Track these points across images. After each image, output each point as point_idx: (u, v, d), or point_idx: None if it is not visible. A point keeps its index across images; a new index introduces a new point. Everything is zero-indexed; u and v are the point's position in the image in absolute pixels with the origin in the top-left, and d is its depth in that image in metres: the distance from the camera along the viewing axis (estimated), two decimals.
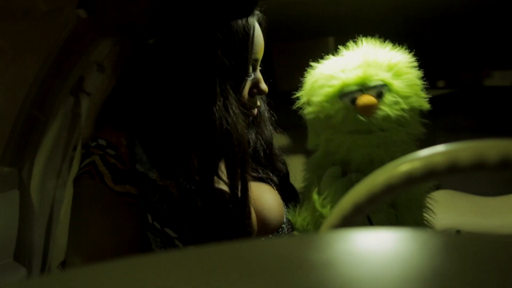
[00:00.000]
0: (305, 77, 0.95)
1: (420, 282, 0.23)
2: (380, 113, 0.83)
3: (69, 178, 1.50)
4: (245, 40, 0.86)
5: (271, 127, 1.01)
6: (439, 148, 0.39)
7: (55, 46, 1.36)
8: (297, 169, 1.06)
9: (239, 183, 0.86)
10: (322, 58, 0.94)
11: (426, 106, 0.88)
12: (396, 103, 0.84)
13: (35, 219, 1.45)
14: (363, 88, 0.85)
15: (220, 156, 0.86)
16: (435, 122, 0.92)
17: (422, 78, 0.90)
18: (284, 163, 1.05)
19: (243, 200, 0.87)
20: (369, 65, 0.87)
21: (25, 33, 1.29)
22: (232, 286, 0.23)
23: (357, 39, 0.93)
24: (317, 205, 0.86)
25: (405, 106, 0.84)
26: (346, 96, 0.85)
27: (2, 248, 1.36)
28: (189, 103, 0.84)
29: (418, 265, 0.25)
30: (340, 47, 0.94)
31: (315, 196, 0.88)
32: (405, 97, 0.85)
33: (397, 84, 0.85)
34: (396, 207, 0.87)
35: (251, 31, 0.86)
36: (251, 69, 0.89)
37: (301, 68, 0.96)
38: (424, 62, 0.92)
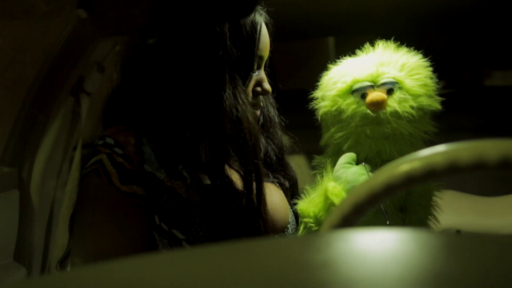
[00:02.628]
0: (321, 75, 0.96)
1: (420, 282, 0.23)
2: (388, 108, 0.85)
3: (69, 178, 1.50)
4: (252, 34, 0.88)
5: (281, 133, 1.01)
6: (439, 148, 0.39)
7: (55, 46, 1.36)
8: (297, 168, 1.05)
9: (252, 171, 0.86)
10: (328, 58, 0.95)
11: (437, 107, 0.89)
12: (406, 100, 0.86)
13: (35, 219, 1.45)
14: (374, 84, 0.87)
15: (231, 144, 0.85)
16: (435, 122, 0.92)
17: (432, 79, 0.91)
18: (293, 171, 1.04)
19: (259, 188, 0.87)
20: (383, 64, 0.89)
21: (25, 33, 1.28)
22: (233, 286, 0.23)
23: (375, 41, 0.94)
24: (329, 194, 0.86)
25: (414, 104, 0.86)
26: (357, 92, 0.87)
27: (2, 248, 1.36)
28: (198, 95, 0.85)
29: (418, 265, 0.25)
30: (357, 48, 0.95)
31: (327, 184, 0.87)
32: (415, 96, 0.87)
33: (408, 83, 0.87)
34: (405, 211, 0.87)
35: (258, 26, 0.88)
36: (256, 65, 0.90)
37: (301, 68, 0.97)
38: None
